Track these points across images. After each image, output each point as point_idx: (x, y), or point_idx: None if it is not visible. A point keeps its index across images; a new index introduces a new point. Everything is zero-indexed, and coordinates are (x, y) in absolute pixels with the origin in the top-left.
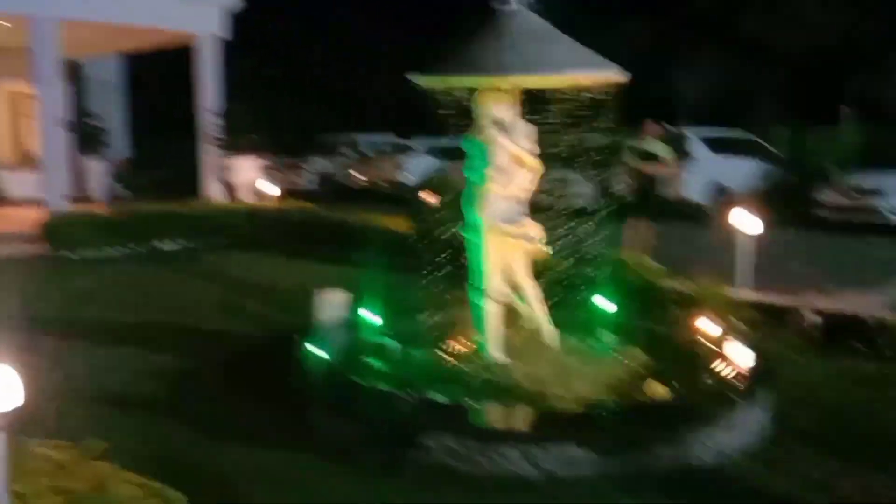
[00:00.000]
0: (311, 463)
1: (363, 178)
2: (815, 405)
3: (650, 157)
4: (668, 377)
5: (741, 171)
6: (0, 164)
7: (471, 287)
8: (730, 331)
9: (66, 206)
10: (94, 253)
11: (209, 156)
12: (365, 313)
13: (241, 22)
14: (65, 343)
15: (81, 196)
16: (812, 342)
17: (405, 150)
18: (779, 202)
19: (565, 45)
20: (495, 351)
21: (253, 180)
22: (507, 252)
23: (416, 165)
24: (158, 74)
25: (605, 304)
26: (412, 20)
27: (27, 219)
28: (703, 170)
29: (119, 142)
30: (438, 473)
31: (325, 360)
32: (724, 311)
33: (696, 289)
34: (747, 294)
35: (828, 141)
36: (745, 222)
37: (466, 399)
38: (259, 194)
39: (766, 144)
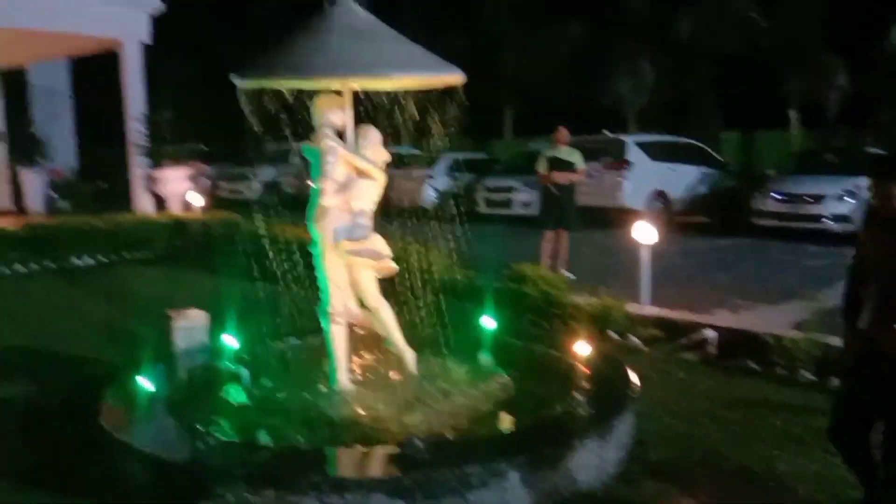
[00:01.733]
0: None
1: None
2: (680, 433)
3: (564, 164)
4: (527, 406)
5: (682, 177)
6: None
7: (319, 309)
8: (612, 351)
9: None
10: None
11: (138, 166)
12: (226, 338)
13: (170, 26)
14: None
15: (17, 209)
16: (707, 360)
17: None
18: (720, 209)
19: (398, 44)
20: (342, 378)
21: (182, 191)
22: (352, 270)
23: None
24: (105, 81)
25: (489, 322)
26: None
27: None
28: (642, 177)
29: (64, 151)
30: None
31: (150, 393)
32: (623, 327)
33: (597, 304)
34: (650, 310)
35: (774, 145)
36: (644, 234)
37: (284, 439)
38: (187, 205)
39: (708, 150)
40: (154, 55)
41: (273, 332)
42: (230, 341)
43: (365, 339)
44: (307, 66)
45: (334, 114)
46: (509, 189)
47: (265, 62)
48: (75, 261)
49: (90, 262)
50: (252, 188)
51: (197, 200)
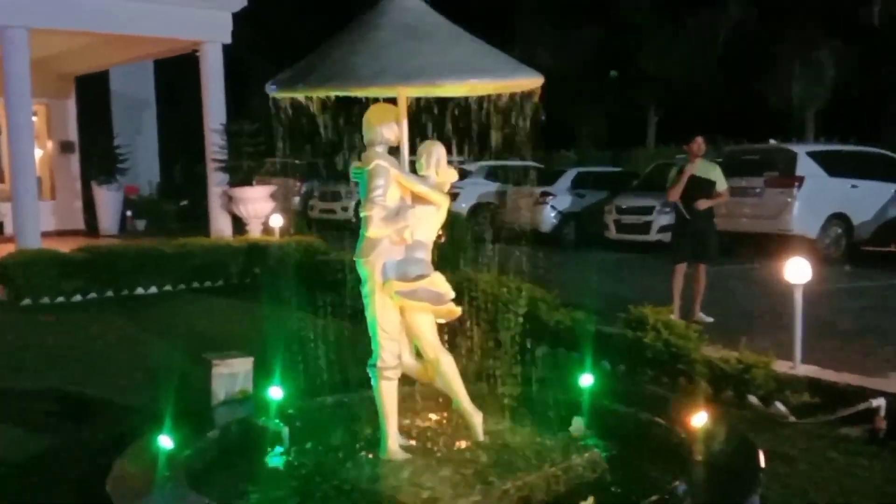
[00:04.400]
0: None
1: None
2: None
3: (700, 182)
4: (615, 493)
5: (868, 197)
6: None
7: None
8: (747, 423)
9: (37, 244)
10: (55, 299)
11: (215, 183)
12: (272, 389)
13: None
14: None
15: (88, 229)
16: (874, 438)
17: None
18: None
19: (459, 44)
20: (391, 445)
21: (264, 211)
22: (407, 314)
23: (470, 191)
24: (192, 88)
25: (588, 379)
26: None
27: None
28: (817, 196)
29: (148, 166)
30: None
31: (172, 454)
32: (767, 391)
33: (735, 360)
34: (804, 369)
35: None
36: (796, 271)
37: None
38: (268, 228)
39: None
40: (241, 60)
41: (331, 382)
42: (275, 393)
43: (428, 397)
44: (345, 74)
45: (387, 128)
46: (647, 210)
47: (301, 68)
48: (139, 290)
49: (154, 291)
50: (346, 208)
51: (278, 222)
